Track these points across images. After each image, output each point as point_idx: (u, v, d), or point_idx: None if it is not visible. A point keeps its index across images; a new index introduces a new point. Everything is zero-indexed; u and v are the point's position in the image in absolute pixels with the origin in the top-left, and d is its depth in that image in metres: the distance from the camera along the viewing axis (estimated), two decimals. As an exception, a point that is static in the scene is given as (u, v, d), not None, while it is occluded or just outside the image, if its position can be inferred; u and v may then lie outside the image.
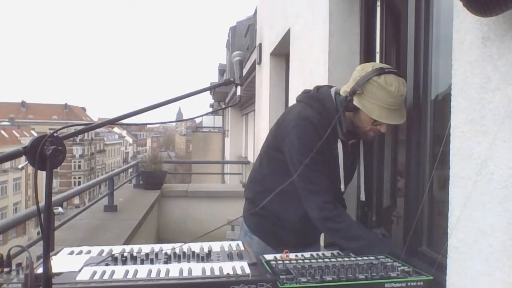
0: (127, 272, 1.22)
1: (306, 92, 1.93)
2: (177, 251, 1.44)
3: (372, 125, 1.71)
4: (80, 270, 1.24)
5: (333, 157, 1.80)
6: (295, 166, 1.75)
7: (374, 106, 1.64)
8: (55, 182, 47.72)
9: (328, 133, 1.71)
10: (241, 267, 1.26)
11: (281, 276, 1.30)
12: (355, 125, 1.77)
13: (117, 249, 1.49)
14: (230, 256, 1.40)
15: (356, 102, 1.67)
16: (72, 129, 1.13)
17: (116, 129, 73.57)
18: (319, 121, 1.75)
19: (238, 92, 1.57)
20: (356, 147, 1.91)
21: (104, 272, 1.22)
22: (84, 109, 71.73)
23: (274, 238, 1.96)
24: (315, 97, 1.84)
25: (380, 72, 1.64)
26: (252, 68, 7.49)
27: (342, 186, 1.82)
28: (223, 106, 18.31)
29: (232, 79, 1.53)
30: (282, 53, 4.92)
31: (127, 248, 1.51)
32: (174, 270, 1.24)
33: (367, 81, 1.64)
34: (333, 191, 1.79)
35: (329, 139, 1.74)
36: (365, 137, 1.81)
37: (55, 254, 1.47)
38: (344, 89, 1.76)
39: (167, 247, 1.50)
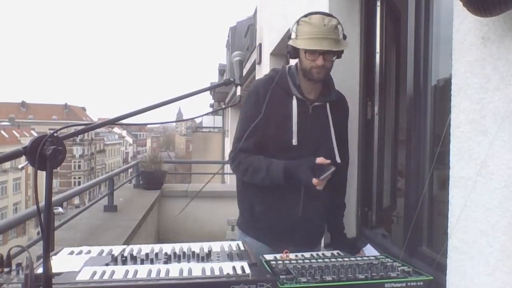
0: (127, 272, 1.22)
1: None
2: (177, 251, 1.45)
3: (308, 60, 1.82)
4: (80, 270, 1.24)
5: (284, 113, 1.87)
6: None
7: (303, 41, 1.81)
8: (55, 182, 47.72)
9: (279, 91, 1.88)
10: (241, 267, 1.26)
11: (281, 276, 1.30)
12: (302, 70, 1.88)
13: (117, 249, 1.50)
14: (230, 256, 1.40)
15: (291, 43, 1.85)
16: (72, 129, 1.13)
17: (116, 129, 73.55)
18: (262, 82, 1.94)
19: (238, 92, 1.57)
20: (323, 112, 1.93)
21: (104, 272, 1.22)
22: (84, 109, 71.71)
23: (262, 234, 1.95)
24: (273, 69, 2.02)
25: (307, 14, 1.84)
26: (252, 68, 7.48)
27: (294, 141, 1.85)
28: (223, 106, 18.31)
29: (232, 79, 1.53)
30: (282, 53, 4.92)
31: (127, 248, 1.51)
32: (174, 270, 1.24)
33: (297, 24, 1.84)
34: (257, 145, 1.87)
35: (279, 96, 1.88)
36: (311, 77, 1.85)
37: (55, 254, 1.47)
38: None
39: (167, 247, 1.50)
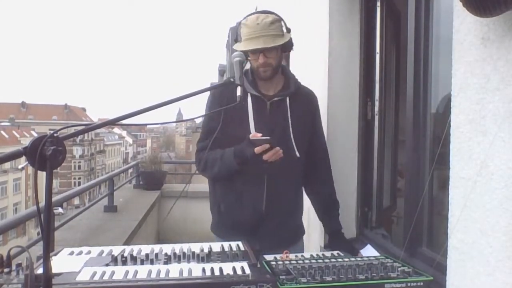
0: (127, 272, 1.22)
1: None
2: (177, 251, 1.45)
3: (252, 60, 1.87)
4: (80, 271, 1.24)
5: (241, 111, 1.87)
6: None
7: (243, 42, 1.85)
8: (55, 183, 47.69)
9: (234, 91, 1.77)
10: (241, 267, 1.26)
11: (281, 277, 1.30)
12: (253, 71, 1.93)
13: (117, 250, 1.50)
14: (230, 257, 1.40)
15: (234, 47, 1.87)
16: (72, 130, 1.13)
17: (116, 130, 73.48)
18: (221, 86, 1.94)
19: (238, 93, 1.58)
20: (282, 106, 1.94)
21: (104, 273, 1.22)
22: (84, 109, 71.75)
23: (229, 232, 1.92)
24: None
25: (246, 15, 1.87)
26: (252, 68, 7.48)
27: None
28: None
29: (232, 79, 1.54)
30: (282, 53, 4.91)
31: (127, 248, 1.51)
32: (174, 270, 1.24)
33: (239, 27, 1.88)
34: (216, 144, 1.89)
35: (235, 96, 1.78)
36: (259, 75, 1.90)
37: (55, 254, 1.47)
38: None
39: (167, 248, 1.50)
